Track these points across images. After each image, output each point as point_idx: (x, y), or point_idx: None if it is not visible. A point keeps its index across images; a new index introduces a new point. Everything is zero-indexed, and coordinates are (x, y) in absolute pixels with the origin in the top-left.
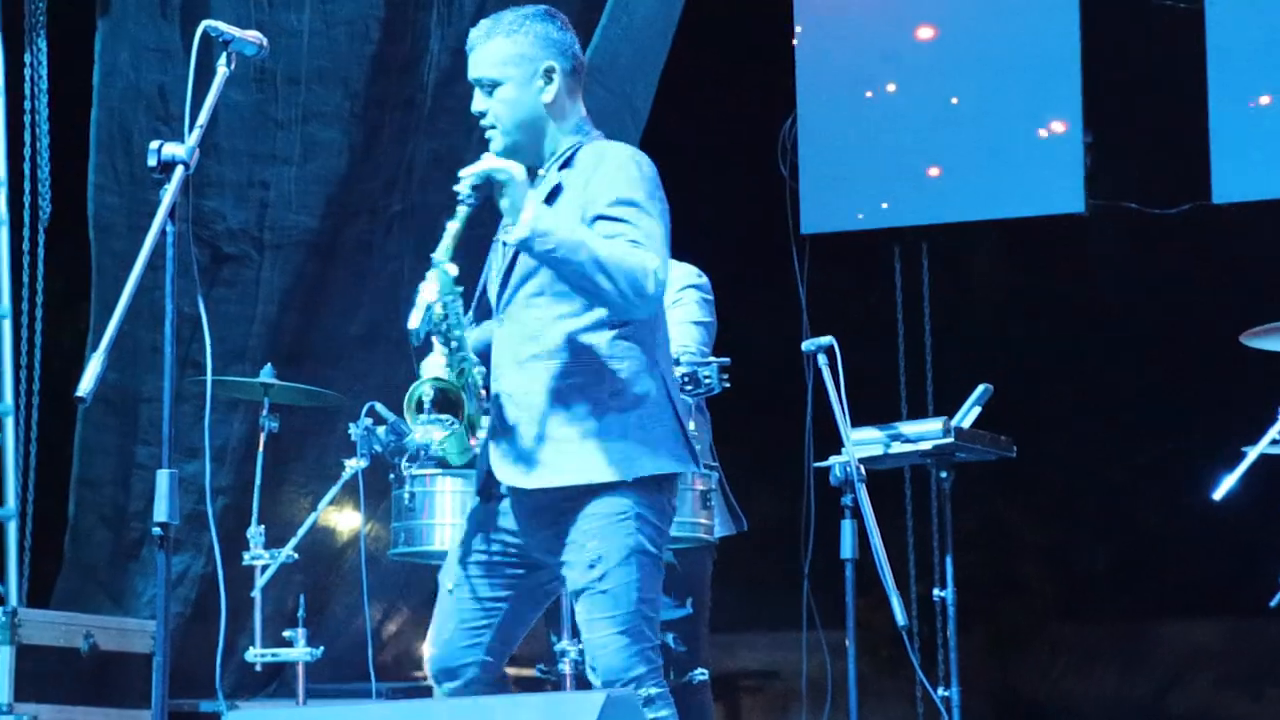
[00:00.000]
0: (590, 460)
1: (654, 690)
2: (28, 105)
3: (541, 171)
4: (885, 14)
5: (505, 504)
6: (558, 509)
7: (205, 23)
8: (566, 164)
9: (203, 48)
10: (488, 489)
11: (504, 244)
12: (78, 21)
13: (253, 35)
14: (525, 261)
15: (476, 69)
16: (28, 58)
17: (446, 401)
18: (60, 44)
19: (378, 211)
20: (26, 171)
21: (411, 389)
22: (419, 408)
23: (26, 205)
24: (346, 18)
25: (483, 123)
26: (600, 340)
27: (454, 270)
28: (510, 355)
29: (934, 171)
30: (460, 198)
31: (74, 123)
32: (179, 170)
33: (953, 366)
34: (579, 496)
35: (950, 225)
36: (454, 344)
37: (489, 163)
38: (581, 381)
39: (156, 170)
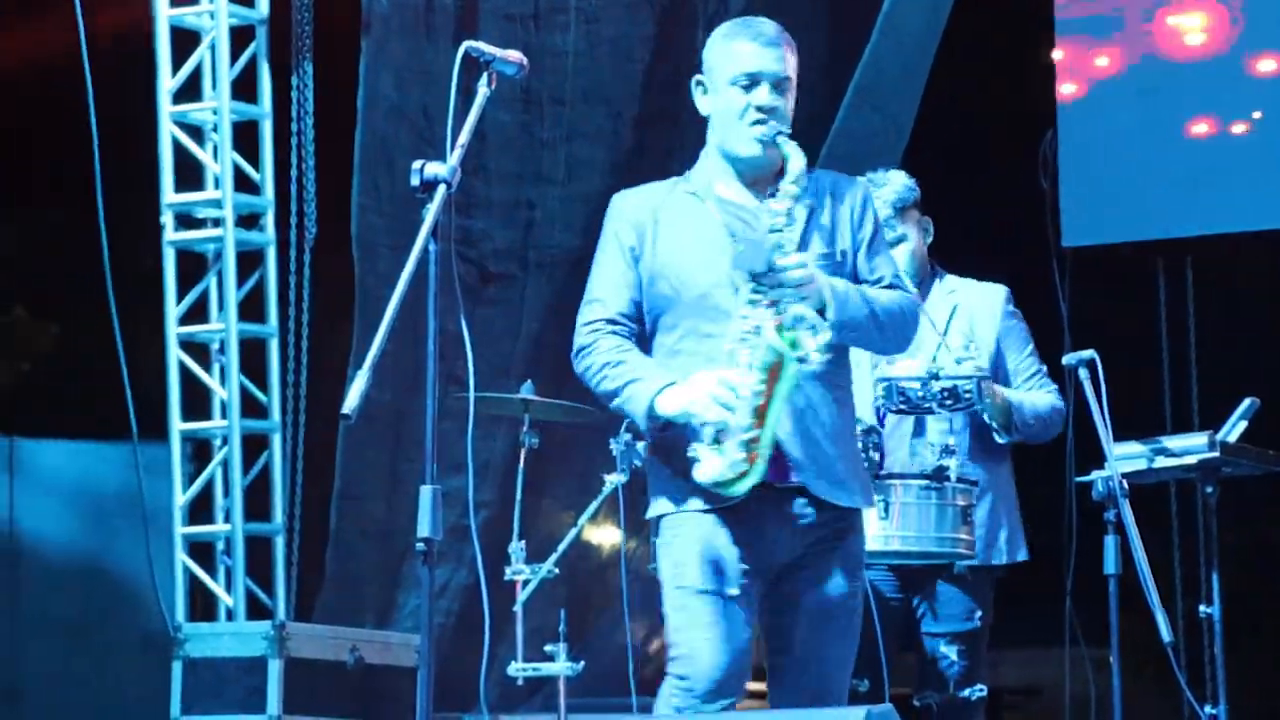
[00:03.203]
0: (865, 483)
1: None
2: (294, 127)
3: (789, 186)
4: (1148, 23)
5: (752, 511)
6: (829, 527)
7: (466, 43)
8: (804, 186)
9: (468, 70)
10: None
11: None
12: (342, 44)
13: (513, 55)
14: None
15: (777, 65)
16: (294, 80)
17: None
18: (325, 67)
19: None
20: (293, 193)
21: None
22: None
23: (293, 226)
24: (611, 37)
25: (771, 118)
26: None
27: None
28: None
29: (1198, 183)
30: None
31: (339, 144)
32: (441, 189)
33: (1218, 380)
34: (849, 519)
35: (1215, 237)
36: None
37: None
38: (849, 405)
39: (419, 190)
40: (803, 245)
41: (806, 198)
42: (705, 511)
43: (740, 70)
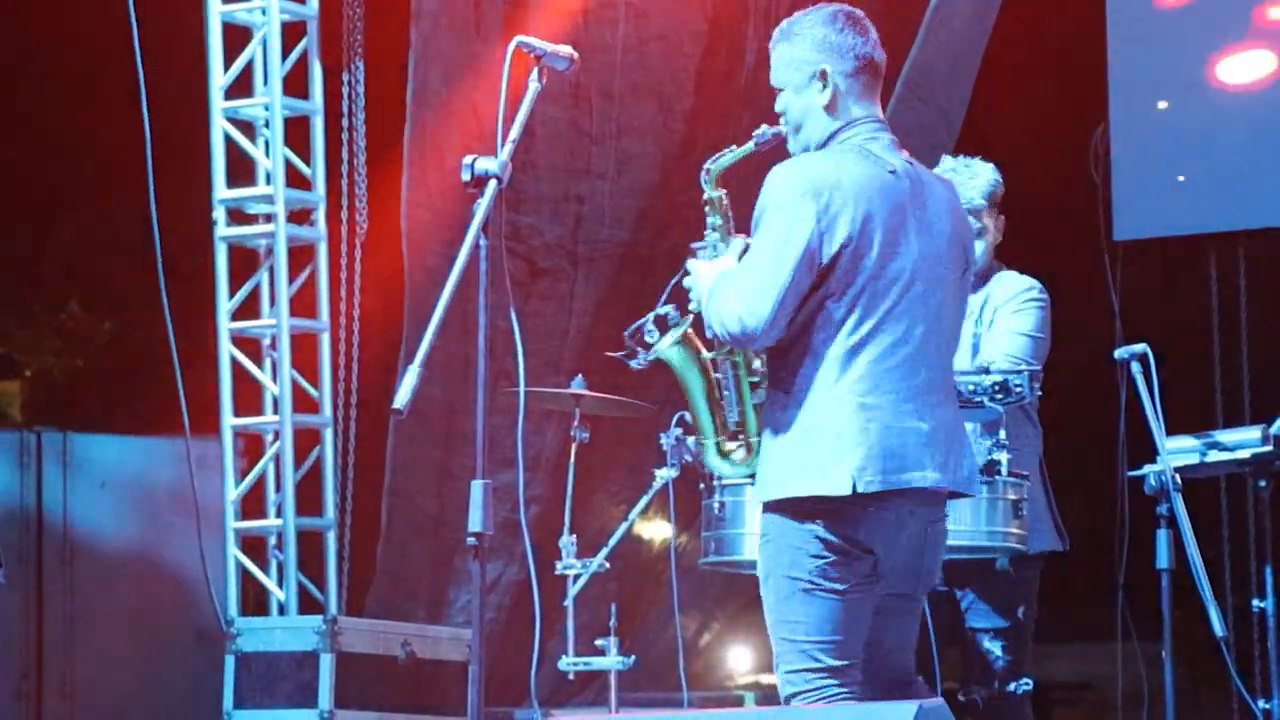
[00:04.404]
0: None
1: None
2: (345, 123)
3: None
4: (1199, 13)
5: None
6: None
7: (517, 38)
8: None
9: (518, 64)
10: None
11: None
12: (393, 39)
13: (564, 50)
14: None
15: (771, 73)
16: (345, 75)
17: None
18: (376, 62)
19: (692, 224)
20: (344, 188)
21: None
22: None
23: (344, 221)
24: (660, 32)
25: (780, 123)
26: (781, 356)
27: None
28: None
29: (1250, 175)
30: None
31: (390, 139)
32: (492, 184)
33: (1271, 373)
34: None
35: (1268, 230)
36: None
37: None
38: (770, 399)
39: (469, 185)
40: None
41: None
42: None
43: None
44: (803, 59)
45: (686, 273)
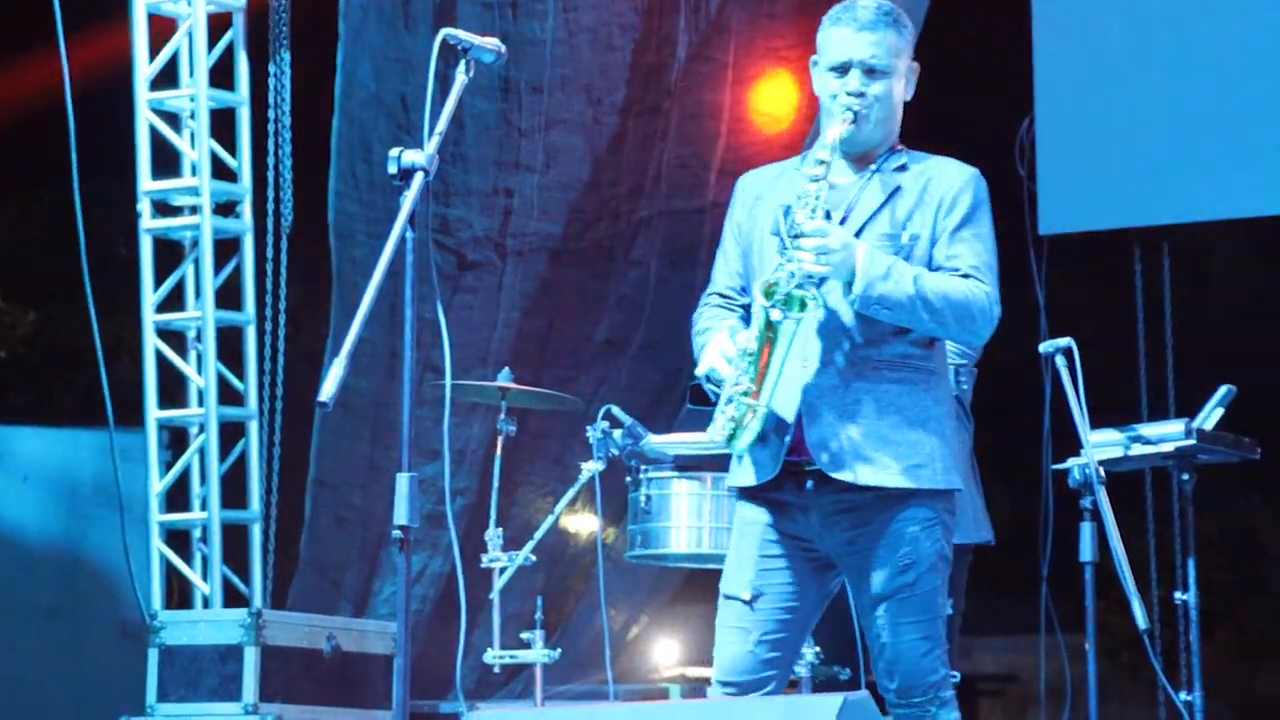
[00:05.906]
0: (918, 464)
1: (949, 693)
2: (271, 115)
3: (872, 166)
4: (1125, 11)
5: (794, 503)
6: (870, 509)
7: (444, 31)
8: (902, 168)
9: (446, 58)
10: (772, 486)
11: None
12: (321, 31)
13: (491, 42)
14: (864, 259)
15: (866, 51)
16: (272, 68)
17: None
18: (303, 54)
19: (621, 217)
20: (270, 180)
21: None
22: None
23: (270, 213)
24: (589, 25)
25: (855, 104)
26: (924, 347)
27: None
28: (825, 351)
29: (1175, 170)
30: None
31: (315, 132)
32: (419, 177)
33: (1194, 367)
34: (898, 500)
35: (1192, 224)
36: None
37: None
38: (917, 388)
39: (396, 177)
40: (868, 222)
41: (891, 177)
42: (751, 496)
43: (834, 57)
44: (906, 51)
45: (795, 235)
